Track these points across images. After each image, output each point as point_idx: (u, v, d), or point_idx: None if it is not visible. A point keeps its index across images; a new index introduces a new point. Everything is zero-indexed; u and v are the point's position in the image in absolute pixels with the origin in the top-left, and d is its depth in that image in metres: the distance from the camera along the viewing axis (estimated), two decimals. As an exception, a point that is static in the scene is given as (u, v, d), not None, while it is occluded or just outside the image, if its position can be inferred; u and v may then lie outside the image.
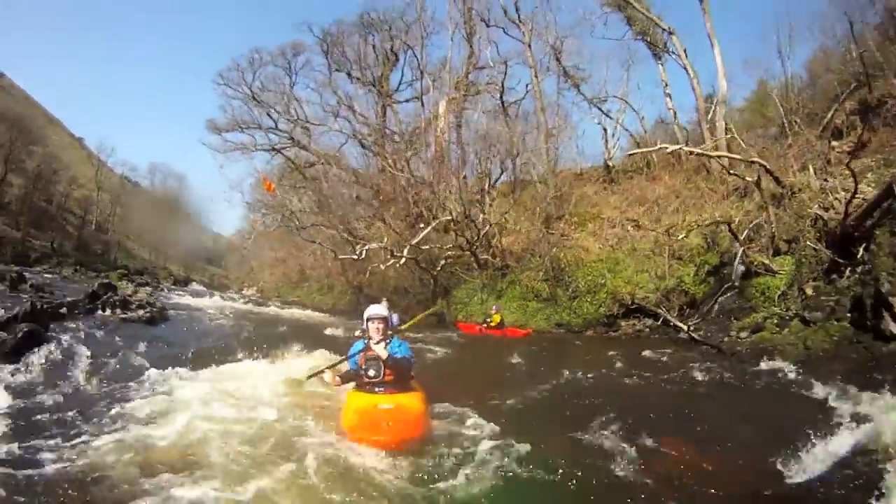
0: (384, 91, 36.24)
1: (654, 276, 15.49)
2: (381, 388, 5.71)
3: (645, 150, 18.82)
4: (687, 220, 17.03)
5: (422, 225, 20.95)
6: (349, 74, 37.68)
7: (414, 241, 19.35)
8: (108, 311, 11.96)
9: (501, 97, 29.30)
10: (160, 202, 72.51)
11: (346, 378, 6.20)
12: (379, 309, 6.33)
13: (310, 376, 6.47)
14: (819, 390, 6.40)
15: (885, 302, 8.53)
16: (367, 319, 6.18)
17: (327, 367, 6.39)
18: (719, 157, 16.32)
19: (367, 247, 19.60)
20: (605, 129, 27.89)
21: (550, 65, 28.09)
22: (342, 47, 37.54)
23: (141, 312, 12.53)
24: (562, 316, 16.81)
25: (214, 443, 4.52)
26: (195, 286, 58.25)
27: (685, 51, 23.74)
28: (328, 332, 14.68)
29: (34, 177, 54.45)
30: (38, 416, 5.15)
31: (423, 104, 33.13)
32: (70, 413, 5.23)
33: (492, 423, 5.46)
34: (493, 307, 16.86)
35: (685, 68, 23.73)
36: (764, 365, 8.23)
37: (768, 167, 14.18)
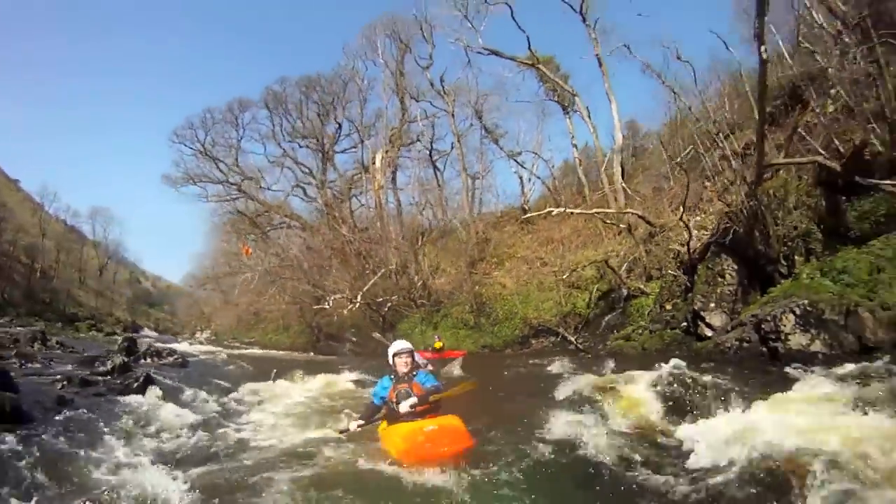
0: (325, 147, 38.94)
1: (555, 304, 18.90)
2: (414, 419, 5.73)
3: (534, 213, 21.74)
4: (586, 255, 20.32)
5: (368, 273, 24.35)
6: (293, 129, 40.34)
7: (364, 289, 22.56)
8: (148, 360, 14.67)
9: (430, 154, 32.80)
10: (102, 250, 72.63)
11: (368, 414, 6.40)
12: (405, 344, 6.40)
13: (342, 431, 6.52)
14: (623, 374, 8.91)
15: (699, 314, 12.48)
16: (395, 355, 6.24)
17: (359, 426, 6.33)
18: (595, 213, 19.59)
19: (334, 297, 22.61)
20: (520, 178, 31.28)
21: (473, 121, 31.52)
22: (285, 104, 40.13)
23: (171, 359, 15.27)
24: (486, 339, 20.16)
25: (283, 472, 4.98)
26: (146, 331, 58.68)
27: (587, 108, 27.35)
28: (307, 364, 17.05)
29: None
30: (177, 429, 7.09)
31: (362, 162, 36.37)
32: (195, 425, 7.36)
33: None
34: (435, 336, 19.85)
35: (587, 125, 27.41)
36: (612, 361, 10.99)
37: (640, 214, 17.79)
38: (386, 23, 34.04)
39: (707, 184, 18.59)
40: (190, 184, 41.72)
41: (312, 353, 25.44)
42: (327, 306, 22.58)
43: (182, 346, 26.90)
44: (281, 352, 28.89)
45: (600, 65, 25.65)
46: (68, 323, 44.35)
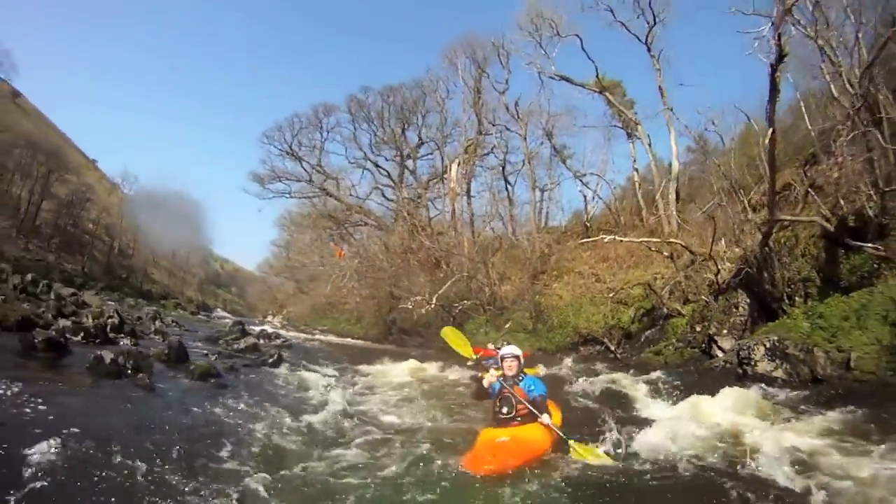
0: (404, 155, 42.57)
1: (603, 317, 21.32)
2: (517, 421, 6.09)
3: (589, 240, 23.80)
4: (636, 275, 22.60)
5: (443, 277, 27.57)
6: (374, 136, 44.03)
7: (440, 293, 25.81)
8: (262, 341, 17.12)
9: (503, 168, 35.71)
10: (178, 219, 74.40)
11: (483, 395, 6.71)
12: (512, 349, 6.84)
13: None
14: (639, 379, 11.86)
15: (713, 338, 15.12)
16: (502, 358, 6.66)
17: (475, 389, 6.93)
18: (642, 241, 21.52)
19: (415, 298, 25.95)
20: (584, 196, 33.49)
21: (543, 140, 34.23)
22: (368, 111, 43.66)
23: (279, 341, 18.01)
24: (541, 343, 22.83)
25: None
26: (219, 311, 61.40)
27: (648, 136, 29.86)
28: (389, 353, 19.88)
29: (67, 204, 57.83)
30: (320, 399, 8.81)
31: (441, 167, 39.45)
32: (333, 396, 9.03)
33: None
34: (500, 338, 21.71)
35: (647, 153, 29.97)
36: (638, 370, 13.62)
37: (683, 244, 19.91)
38: (465, 45, 37.05)
39: (751, 215, 19.60)
40: (276, 181, 45.88)
41: (387, 345, 28.58)
42: (410, 306, 25.66)
43: (273, 331, 29.36)
44: (358, 341, 32.04)
45: (662, 95, 27.73)
46: (150, 300, 47.49)
